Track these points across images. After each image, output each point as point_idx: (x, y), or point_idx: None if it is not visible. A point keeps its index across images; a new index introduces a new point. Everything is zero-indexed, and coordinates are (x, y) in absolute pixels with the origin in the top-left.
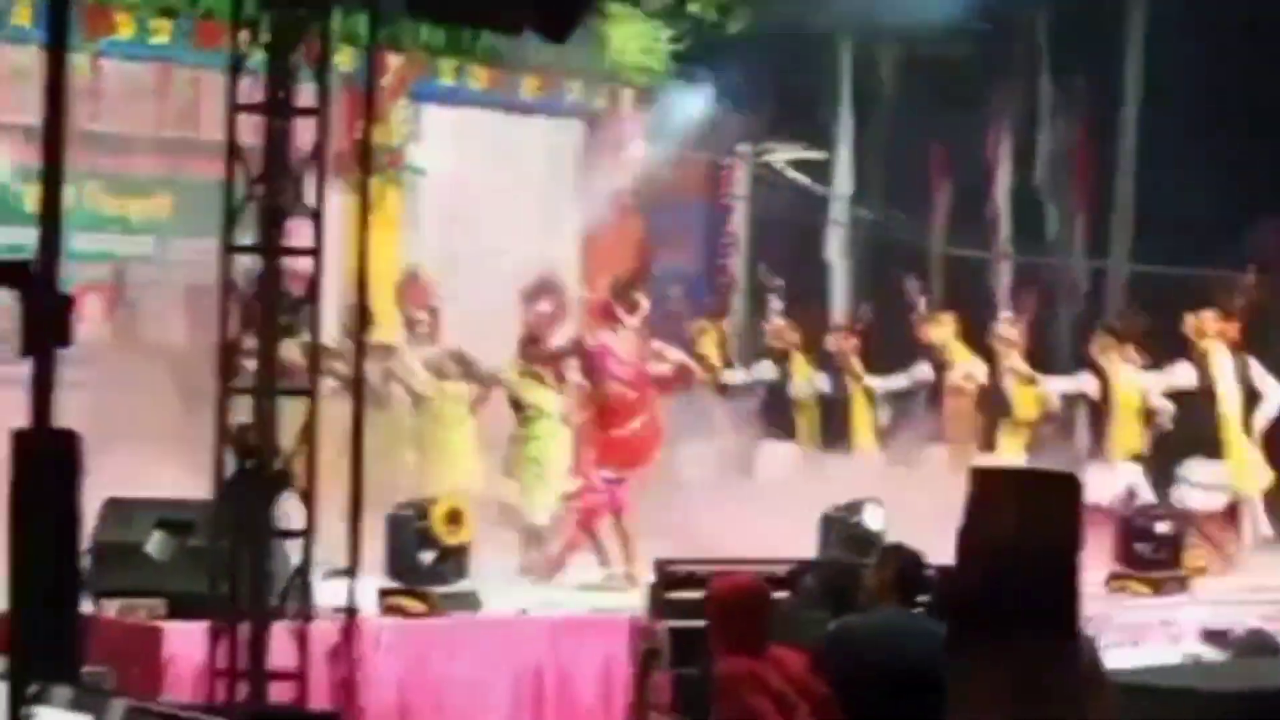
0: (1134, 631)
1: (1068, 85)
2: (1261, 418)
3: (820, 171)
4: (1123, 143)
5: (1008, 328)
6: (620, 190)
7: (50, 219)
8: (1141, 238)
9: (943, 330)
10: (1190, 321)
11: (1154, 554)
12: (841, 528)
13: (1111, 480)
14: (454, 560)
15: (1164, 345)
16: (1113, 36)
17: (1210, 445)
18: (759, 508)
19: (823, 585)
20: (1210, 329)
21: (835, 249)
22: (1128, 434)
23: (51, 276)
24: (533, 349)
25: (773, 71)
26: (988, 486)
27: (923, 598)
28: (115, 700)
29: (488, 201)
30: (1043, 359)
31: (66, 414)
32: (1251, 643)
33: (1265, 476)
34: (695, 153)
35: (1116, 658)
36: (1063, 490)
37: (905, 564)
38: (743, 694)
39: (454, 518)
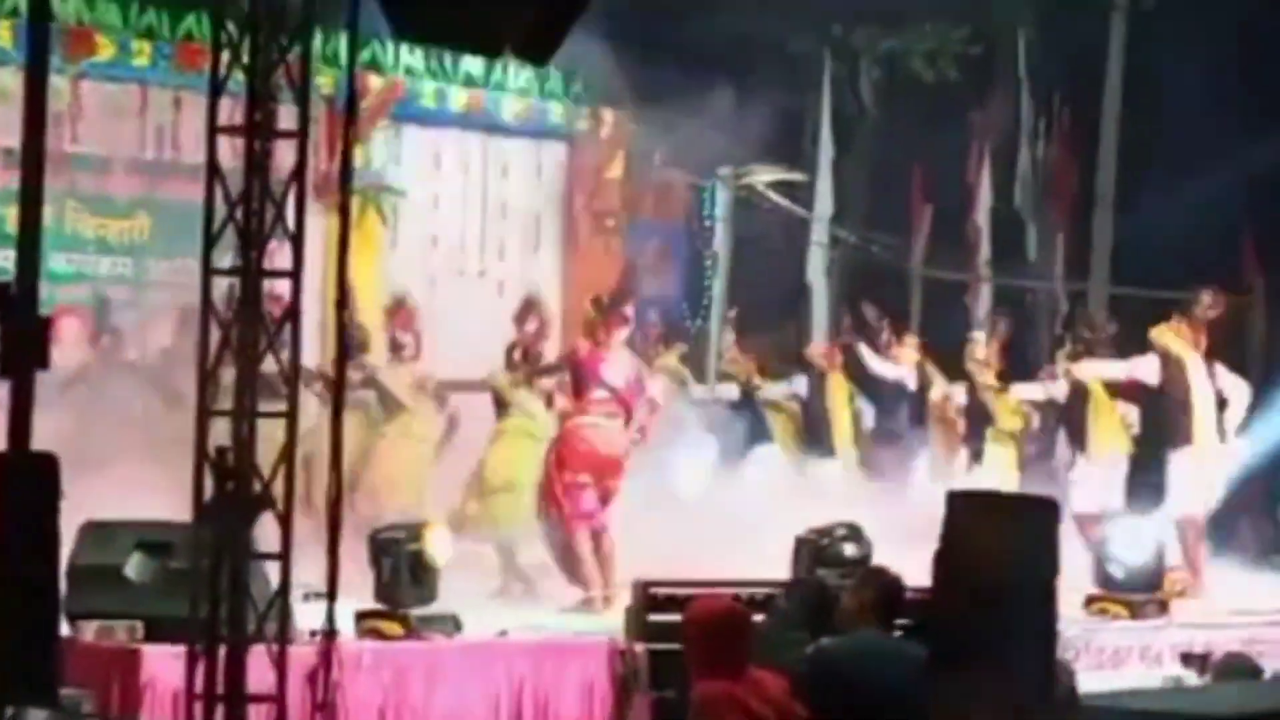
0: (1113, 655)
1: (1048, 107)
2: (1231, 419)
3: (801, 193)
4: (1103, 164)
5: (981, 348)
6: (601, 212)
7: (29, 240)
8: (1121, 259)
9: (909, 353)
10: (1159, 329)
11: (1128, 578)
12: (814, 550)
13: (1095, 485)
14: (431, 583)
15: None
16: (1093, 57)
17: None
18: (742, 522)
19: (798, 606)
20: (1180, 335)
21: (816, 270)
22: (1109, 433)
23: (30, 298)
24: (522, 363)
25: (754, 93)
26: (965, 511)
27: (903, 621)
28: None
29: (468, 223)
30: (1022, 379)
31: (44, 436)
32: (1231, 666)
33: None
34: (676, 174)
35: (1095, 681)
36: (1040, 515)
37: (885, 587)
38: (721, 717)
39: (436, 539)
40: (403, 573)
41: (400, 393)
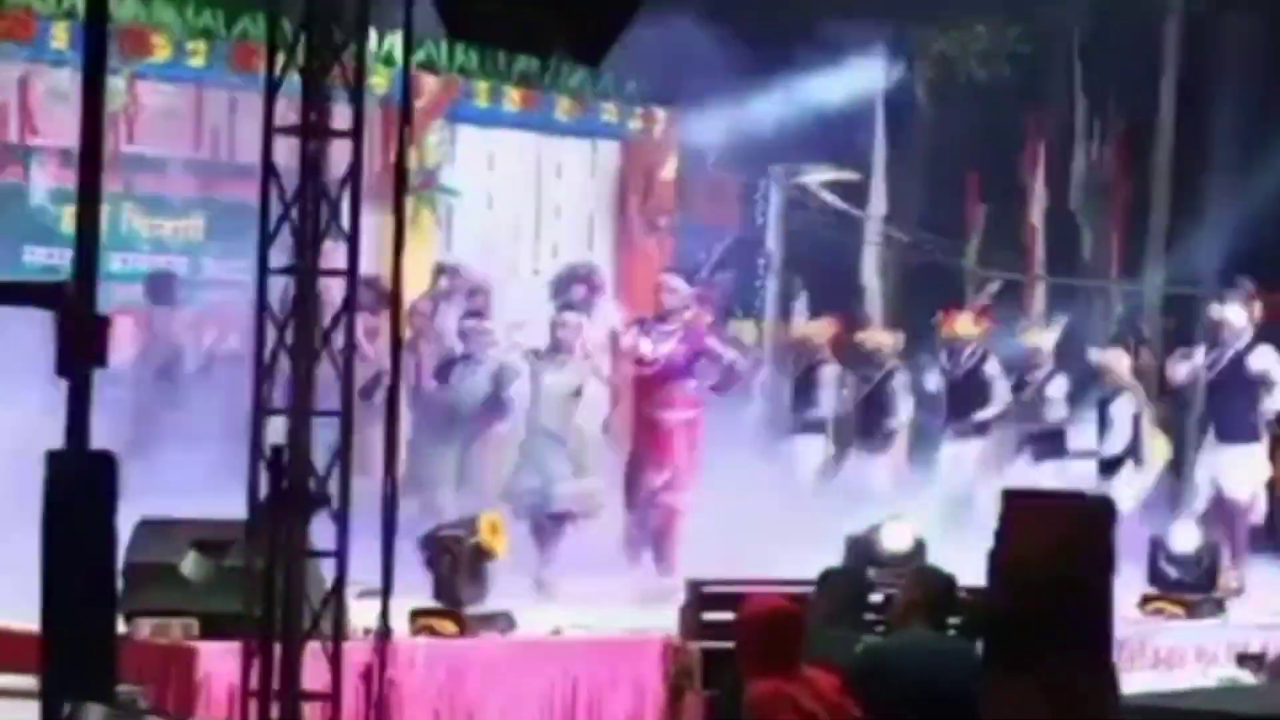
0: (1168, 654)
1: (1103, 107)
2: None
3: (855, 193)
4: (1157, 164)
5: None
6: (654, 212)
7: (86, 240)
8: (1175, 259)
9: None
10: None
11: (1187, 575)
12: (863, 547)
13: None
14: (486, 578)
15: None
16: (1148, 57)
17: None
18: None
19: (831, 601)
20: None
21: (871, 270)
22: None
23: (88, 297)
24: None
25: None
26: (1021, 510)
27: (954, 620)
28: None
29: (522, 223)
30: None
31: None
32: None
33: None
34: (729, 174)
35: (1151, 681)
36: (1096, 515)
37: (933, 586)
38: (774, 715)
39: (493, 534)
40: (463, 570)
41: None
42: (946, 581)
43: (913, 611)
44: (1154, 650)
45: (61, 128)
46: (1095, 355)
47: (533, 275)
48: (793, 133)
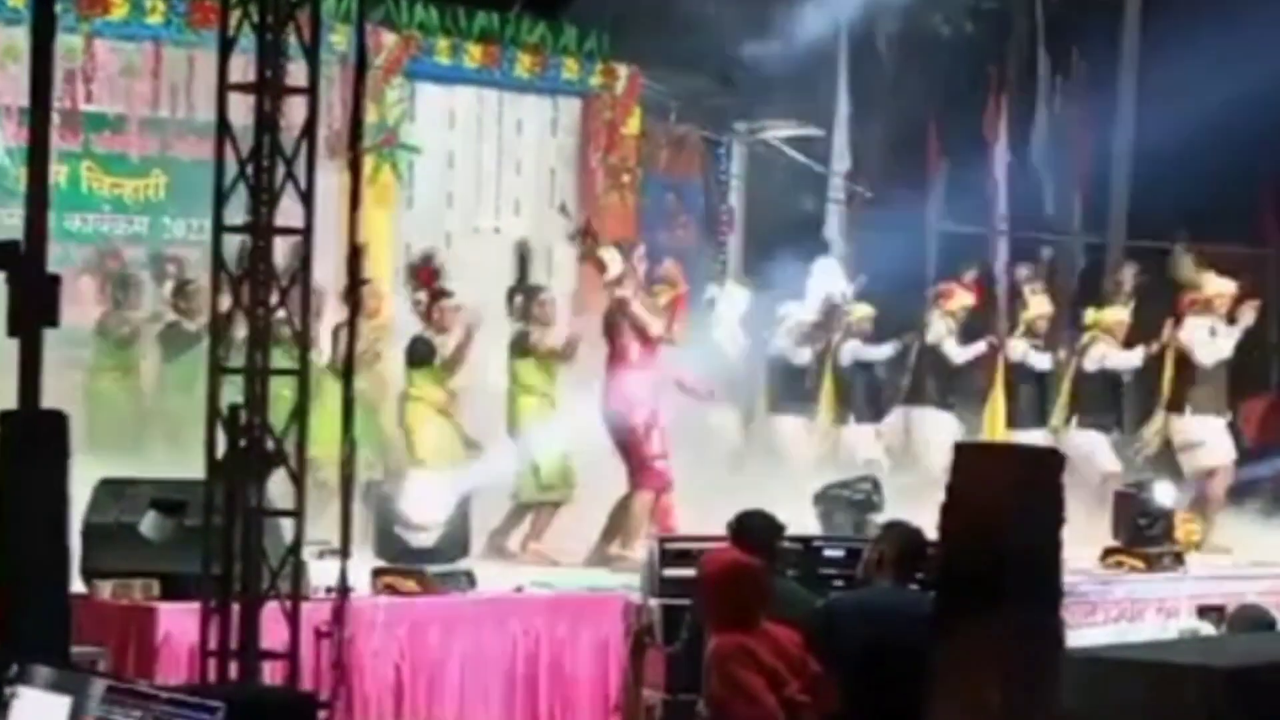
0: (1130, 608)
1: (1065, 61)
2: None
3: (817, 148)
4: (1120, 118)
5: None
6: (616, 167)
7: (37, 199)
8: (1138, 212)
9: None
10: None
11: (1149, 529)
12: (836, 503)
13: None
14: (446, 539)
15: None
16: (1111, 10)
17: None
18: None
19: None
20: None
21: (834, 226)
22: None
23: (39, 256)
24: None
25: (770, 48)
26: (970, 461)
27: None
28: (96, 680)
29: (483, 180)
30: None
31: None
32: (1246, 617)
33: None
34: (691, 129)
35: (1111, 634)
36: (1046, 466)
37: (905, 540)
38: (734, 670)
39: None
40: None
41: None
42: (917, 537)
43: (881, 567)
44: (1115, 604)
45: (19, 86)
46: (1091, 315)
47: (494, 233)
48: (755, 87)
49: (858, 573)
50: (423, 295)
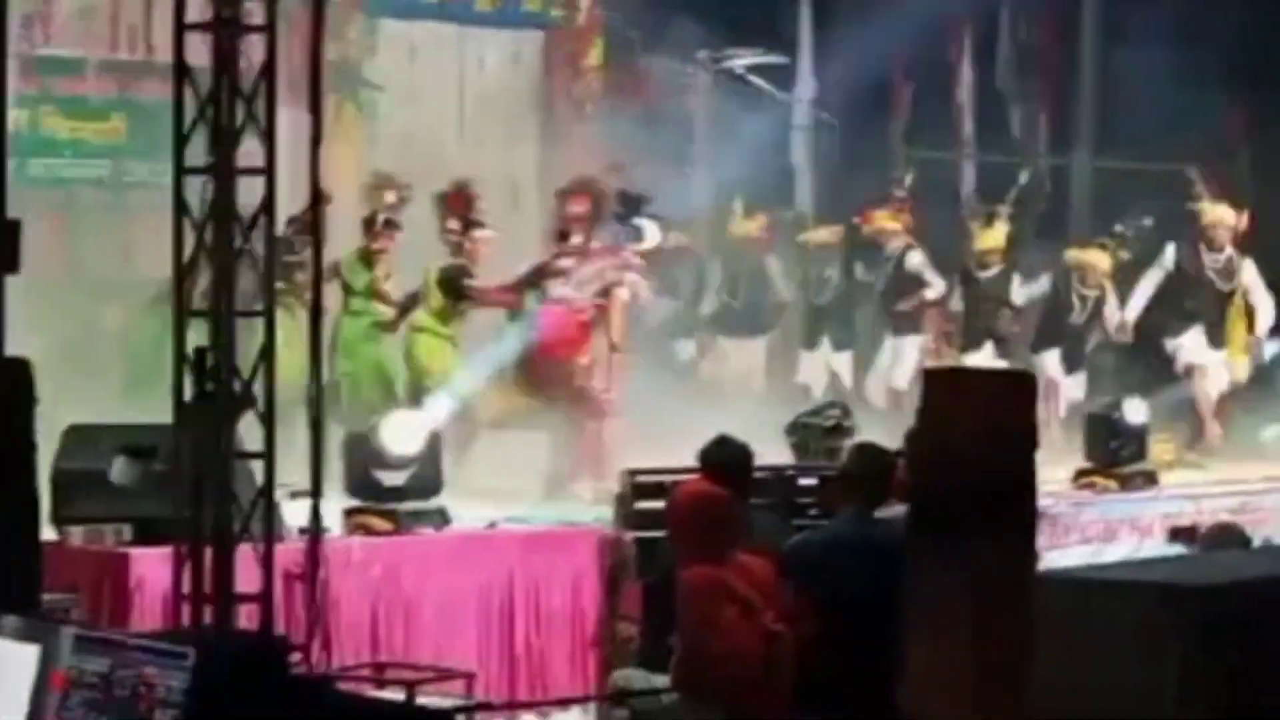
0: (1102, 528)
1: None
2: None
3: (782, 76)
4: (1085, 38)
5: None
6: (580, 100)
7: None
8: (1105, 134)
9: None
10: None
11: (1121, 448)
12: (806, 430)
13: None
14: (418, 476)
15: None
16: None
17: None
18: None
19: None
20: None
21: (801, 154)
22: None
23: None
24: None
25: None
26: (940, 387)
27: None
28: (64, 629)
29: (446, 116)
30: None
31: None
32: (1220, 537)
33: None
34: (655, 60)
35: (1083, 556)
36: (1018, 389)
37: (871, 463)
38: (708, 601)
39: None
40: (375, 470)
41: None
42: (885, 458)
43: (850, 489)
44: (1087, 525)
45: None
46: (1073, 255)
47: (457, 169)
48: (718, 16)
49: (824, 495)
50: (455, 224)
